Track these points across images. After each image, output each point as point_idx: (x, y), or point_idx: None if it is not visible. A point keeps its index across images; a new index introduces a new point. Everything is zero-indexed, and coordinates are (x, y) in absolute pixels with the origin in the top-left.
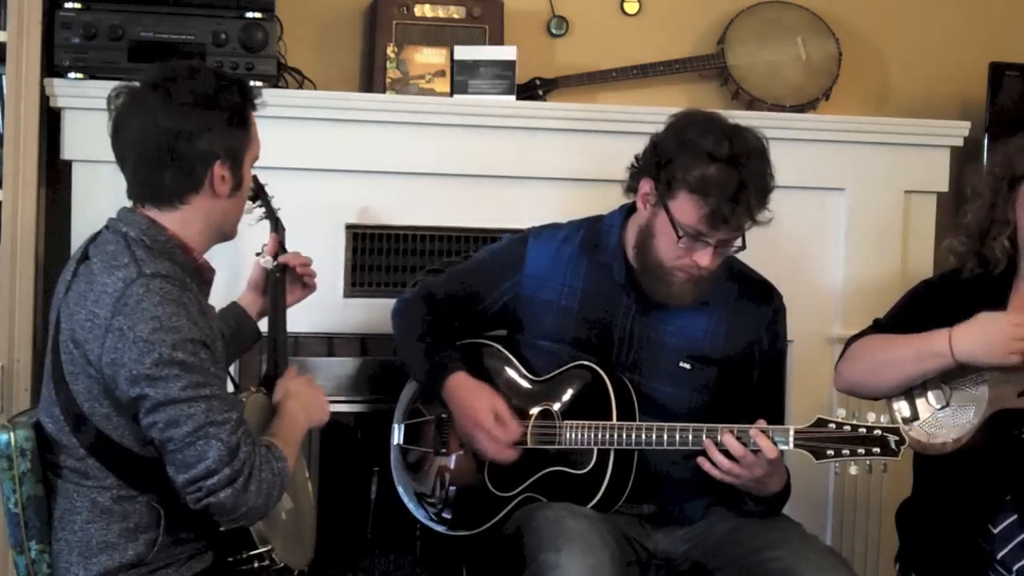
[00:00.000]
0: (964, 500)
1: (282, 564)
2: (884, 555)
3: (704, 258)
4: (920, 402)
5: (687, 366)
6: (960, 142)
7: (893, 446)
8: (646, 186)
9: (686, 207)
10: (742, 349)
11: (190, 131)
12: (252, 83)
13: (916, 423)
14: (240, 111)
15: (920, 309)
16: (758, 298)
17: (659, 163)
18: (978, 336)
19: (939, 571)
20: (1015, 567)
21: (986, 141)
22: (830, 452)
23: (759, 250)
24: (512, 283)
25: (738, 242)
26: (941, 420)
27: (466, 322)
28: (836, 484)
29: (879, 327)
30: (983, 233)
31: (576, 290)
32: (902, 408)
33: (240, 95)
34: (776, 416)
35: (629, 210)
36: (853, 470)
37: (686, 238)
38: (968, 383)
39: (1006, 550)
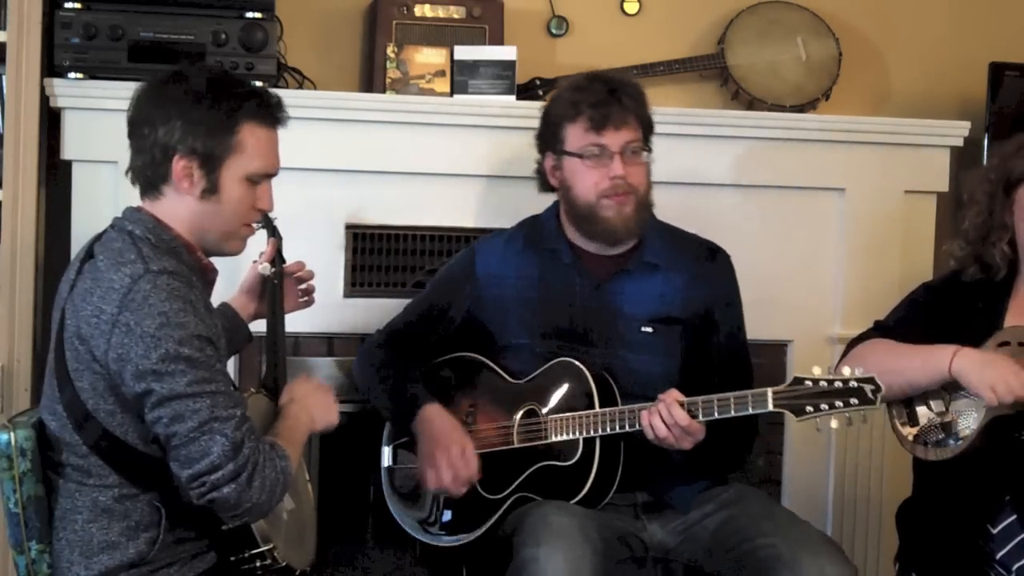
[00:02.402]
0: (964, 500)
1: (284, 563)
2: (884, 555)
3: (616, 167)
4: (920, 408)
5: (649, 330)
6: (960, 142)
7: (870, 395)
8: (549, 161)
9: (573, 134)
10: (702, 308)
11: (155, 120)
12: (255, 82)
13: (916, 428)
14: (224, 117)
15: (921, 313)
16: (707, 257)
17: (543, 133)
18: (978, 367)
19: (939, 571)
20: (1014, 567)
21: (986, 141)
22: (809, 408)
23: (760, 250)
24: (469, 290)
25: (641, 146)
26: (940, 426)
27: (435, 343)
28: (836, 484)
29: (880, 329)
30: (982, 239)
31: (533, 279)
32: (902, 413)
33: (236, 103)
34: (745, 373)
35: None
36: (834, 424)
37: (588, 158)
38: (968, 390)
39: (1005, 550)
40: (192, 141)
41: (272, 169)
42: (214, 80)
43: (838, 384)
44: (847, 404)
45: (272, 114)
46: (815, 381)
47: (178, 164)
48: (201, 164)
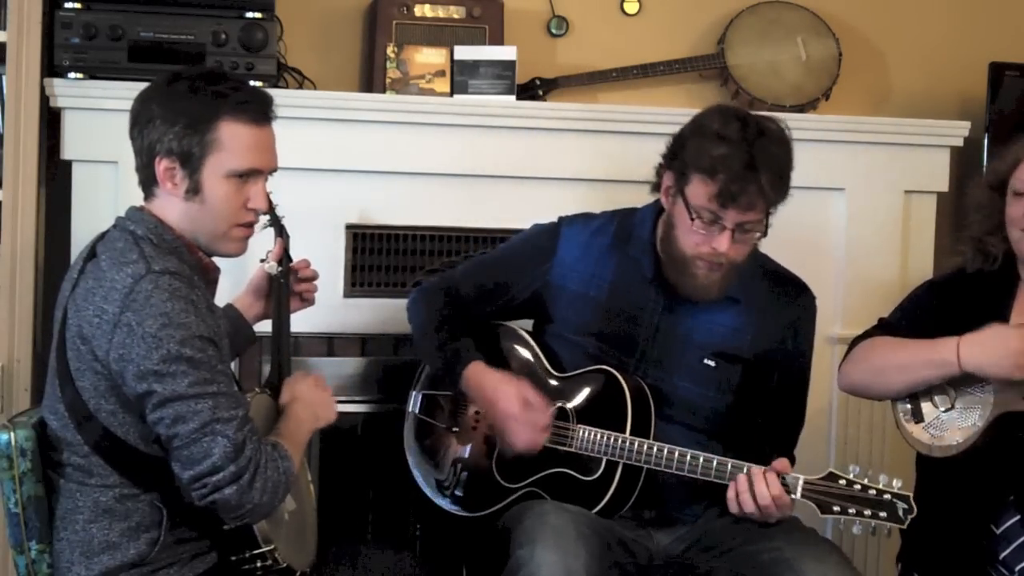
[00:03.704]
0: (967, 500)
1: (284, 564)
2: (885, 555)
3: (722, 243)
4: (925, 404)
5: (711, 363)
6: (960, 142)
7: (901, 514)
8: (667, 180)
9: (698, 189)
10: (768, 349)
11: (141, 121)
12: (253, 83)
13: (921, 425)
14: (200, 115)
15: (926, 310)
16: (788, 297)
17: (675, 153)
18: (987, 348)
19: (941, 571)
20: (1017, 567)
21: (986, 141)
22: (836, 508)
23: (760, 250)
24: (543, 270)
25: (757, 227)
26: (946, 422)
27: (493, 311)
28: None
29: (884, 327)
30: (985, 235)
31: (605, 282)
32: (907, 409)
33: (212, 101)
34: (795, 422)
35: (662, 207)
36: (856, 530)
37: (699, 221)
38: (973, 386)
39: (1008, 550)
40: (170, 141)
41: (258, 165)
42: (195, 78)
43: (872, 492)
44: (875, 516)
45: (254, 109)
46: (850, 482)
47: (160, 165)
48: (182, 164)
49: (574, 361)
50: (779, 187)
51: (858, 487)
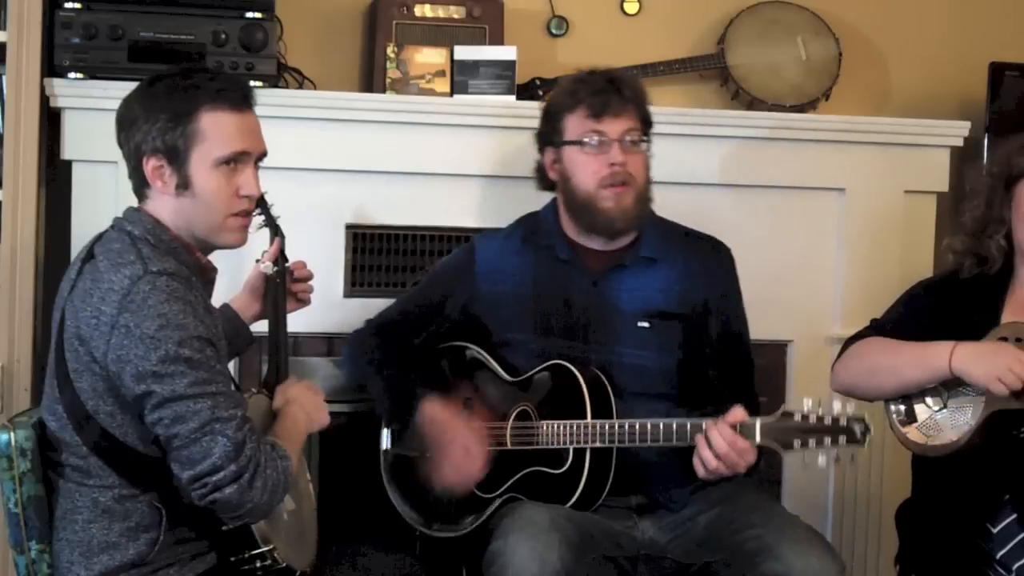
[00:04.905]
0: (963, 500)
1: (284, 564)
2: (884, 555)
3: (615, 154)
4: (918, 404)
5: (646, 325)
6: (960, 142)
7: (859, 435)
8: (548, 155)
9: (572, 122)
10: (699, 301)
11: (125, 125)
12: (253, 83)
13: (914, 425)
14: (180, 108)
15: (918, 311)
16: (706, 250)
17: (544, 127)
18: (979, 360)
19: (939, 571)
20: (1015, 567)
21: (986, 141)
22: (797, 443)
23: (759, 250)
24: (467, 285)
25: (640, 136)
26: (939, 422)
27: (430, 337)
28: (836, 484)
29: (877, 328)
30: (980, 231)
31: (528, 276)
32: (899, 410)
33: (189, 93)
34: (744, 369)
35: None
36: (821, 461)
37: (588, 147)
38: (965, 386)
39: (1005, 550)
40: (154, 139)
41: (244, 148)
42: (172, 76)
43: (828, 421)
44: (835, 442)
45: (232, 95)
46: (804, 416)
47: (148, 165)
48: (169, 160)
49: (524, 362)
50: (639, 96)
51: (814, 419)
